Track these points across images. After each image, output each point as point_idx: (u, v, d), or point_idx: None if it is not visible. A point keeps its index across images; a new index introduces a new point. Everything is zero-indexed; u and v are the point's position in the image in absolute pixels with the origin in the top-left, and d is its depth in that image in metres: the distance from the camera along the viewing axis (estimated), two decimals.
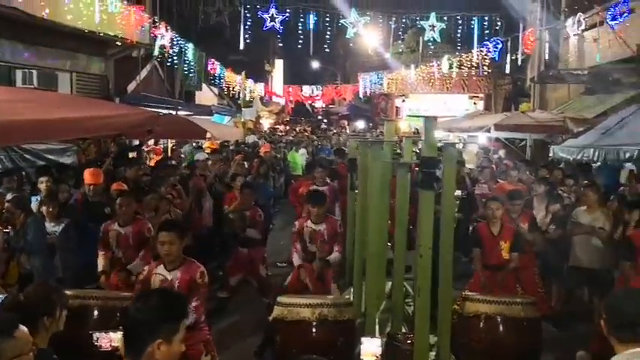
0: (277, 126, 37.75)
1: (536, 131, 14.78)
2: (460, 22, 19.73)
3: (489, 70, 24.36)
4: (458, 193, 10.04)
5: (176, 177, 8.90)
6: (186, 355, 3.61)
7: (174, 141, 15.69)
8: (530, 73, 20.11)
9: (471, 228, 8.66)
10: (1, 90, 8.51)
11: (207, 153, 12.72)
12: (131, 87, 16.78)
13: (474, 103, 28.58)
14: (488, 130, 15.15)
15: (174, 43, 17.82)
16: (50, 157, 9.65)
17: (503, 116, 16.48)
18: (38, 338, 3.17)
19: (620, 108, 14.07)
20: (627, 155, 10.26)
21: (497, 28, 20.05)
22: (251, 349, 6.43)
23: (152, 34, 16.58)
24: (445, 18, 19.76)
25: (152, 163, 11.80)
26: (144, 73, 17.66)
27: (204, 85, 23.41)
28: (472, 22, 19.67)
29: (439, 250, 4.91)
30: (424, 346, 4.81)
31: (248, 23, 18.42)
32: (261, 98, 33.84)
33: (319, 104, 41.45)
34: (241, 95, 27.87)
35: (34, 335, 2.97)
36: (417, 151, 6.44)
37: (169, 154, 14.25)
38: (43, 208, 6.80)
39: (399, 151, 6.41)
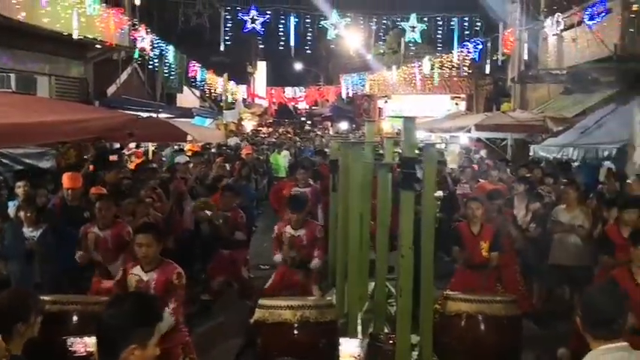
0: (260, 128, 37.69)
1: (516, 131, 14.91)
2: (440, 23, 19.81)
3: (470, 71, 24.51)
4: (439, 193, 10.11)
5: (156, 180, 8.84)
6: (165, 358, 3.59)
7: (155, 144, 15.58)
8: (511, 74, 20.26)
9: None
10: None
11: (188, 156, 12.65)
12: (111, 90, 16.66)
13: (456, 104, 28.77)
14: (469, 131, 15.25)
15: (155, 45, 17.70)
16: (28, 161, 9.52)
17: (484, 116, 16.62)
18: (12, 344, 3.12)
19: (599, 107, 14.25)
20: (606, 154, 10.39)
21: (477, 28, 20.17)
22: (233, 351, 6.40)
23: (132, 37, 16.46)
24: (425, 19, 19.83)
25: (133, 167, 11.70)
26: (124, 76, 17.54)
27: (185, 88, 23.31)
28: (452, 22, 19.76)
29: (420, 250, 4.93)
30: (406, 346, 4.83)
31: (228, 25, 18.33)
32: (244, 100, 33.77)
33: (302, 106, 41.49)
34: (223, 97, 27.78)
35: (7, 341, 2.92)
36: (399, 151, 6.46)
37: (150, 157, 14.15)
38: (21, 213, 6.71)
39: (381, 151, 6.43)
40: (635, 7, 12.08)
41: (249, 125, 35.72)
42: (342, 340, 4.10)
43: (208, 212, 8.04)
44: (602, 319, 2.50)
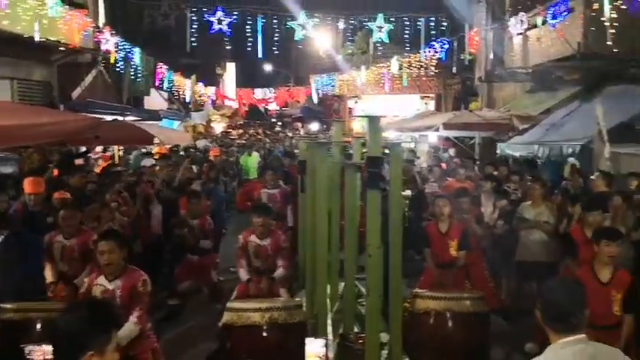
0: (230, 130, 37.46)
1: (483, 129, 15.07)
2: (407, 23, 19.95)
3: (438, 71, 24.70)
4: (407, 192, 10.18)
5: (122, 184, 8.70)
6: None
7: (122, 147, 15.37)
8: (478, 73, 20.50)
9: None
10: None
11: (155, 159, 12.50)
12: (76, 93, 16.37)
13: (425, 103, 28.98)
14: (438, 130, 15.37)
15: (120, 47, 17.46)
16: None
17: (452, 115, 16.76)
18: None
19: (563, 105, 14.52)
20: (570, 150, 10.59)
21: (444, 28, 20.36)
22: (203, 355, 6.33)
23: (96, 39, 16.21)
24: (392, 19, 19.94)
25: (99, 171, 11.52)
26: (89, 78, 17.25)
27: (153, 90, 23.05)
28: (419, 23, 19.91)
29: (389, 249, 4.94)
30: (375, 345, 4.82)
31: (194, 26, 18.18)
32: (213, 102, 33.53)
33: (273, 107, 41.34)
34: (191, 99, 27.53)
35: None
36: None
37: (117, 160, 13.95)
38: None
39: (351, 152, 6.44)
40: (596, 6, 12.31)
41: (218, 127, 35.47)
42: (307, 340, 4.07)
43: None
44: (560, 313, 2.53)
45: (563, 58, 14.09)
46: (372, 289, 4.75)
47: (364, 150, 6.28)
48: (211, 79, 33.83)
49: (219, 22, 17.99)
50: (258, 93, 35.30)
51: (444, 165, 13.22)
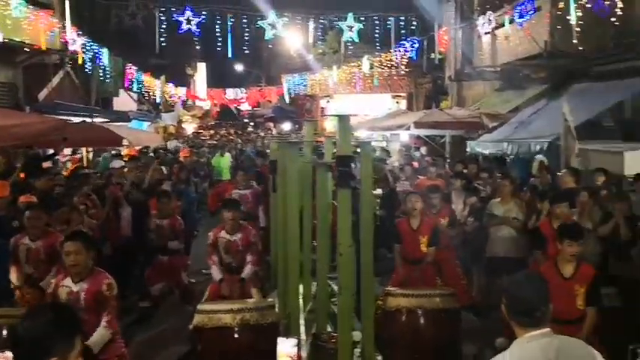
0: (201, 130, 37.19)
1: (453, 128, 15.20)
2: (377, 22, 20.04)
3: (408, 70, 24.84)
4: (378, 191, 10.22)
5: (90, 186, 8.58)
6: None
7: (91, 149, 15.15)
8: (448, 72, 20.68)
9: None
10: None
11: (125, 160, 12.35)
12: (43, 95, 16.06)
13: (397, 102, 29.12)
14: (409, 128, 15.46)
15: (88, 48, 17.19)
16: None
17: (423, 114, 16.87)
18: None
19: (531, 103, 14.73)
20: (538, 147, 10.74)
21: (413, 28, 20.49)
22: (175, 359, 6.27)
23: (63, 40, 15.93)
24: (362, 18, 20.00)
25: (67, 173, 11.33)
26: (56, 80, 16.95)
27: (122, 91, 22.75)
28: (389, 22, 20.01)
29: (360, 248, 4.95)
30: (348, 344, 4.83)
31: (163, 26, 17.99)
32: (184, 102, 33.24)
33: (245, 107, 41.15)
34: (161, 100, 27.25)
35: None
36: None
37: (85, 163, 13.74)
38: None
39: (324, 151, 6.43)
40: (561, 5, 12.51)
41: (189, 128, 35.19)
42: (279, 340, 4.06)
43: None
44: (526, 307, 2.56)
45: (530, 57, 14.30)
46: (344, 287, 4.76)
47: (335, 149, 6.29)
48: (182, 79, 33.56)
49: (188, 21, 17.83)
50: (230, 93, 35.08)
51: (415, 163, 13.32)
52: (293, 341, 3.96)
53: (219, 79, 41.68)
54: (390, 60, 22.31)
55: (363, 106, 28.28)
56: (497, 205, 7.76)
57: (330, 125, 28.37)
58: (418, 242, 6.94)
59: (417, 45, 20.49)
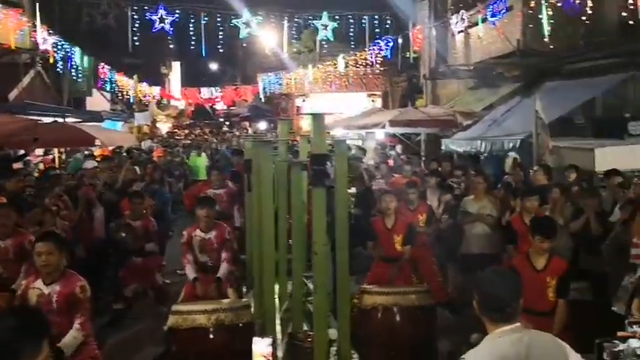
0: (176, 130, 36.89)
1: (428, 126, 15.29)
2: (352, 21, 20.10)
3: (383, 68, 24.93)
4: (352, 190, 10.23)
5: (61, 187, 8.45)
6: None
7: (63, 150, 14.93)
8: (423, 70, 20.81)
9: None
10: None
11: (98, 160, 12.19)
12: (13, 95, 15.79)
13: (373, 101, 29.17)
14: (384, 127, 15.52)
15: (59, 47, 16.92)
16: None
17: (398, 112, 16.95)
18: None
19: (504, 101, 14.88)
20: (511, 145, 10.85)
21: (388, 26, 20.60)
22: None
23: (33, 39, 15.67)
24: (337, 17, 20.05)
25: (39, 174, 11.15)
26: (27, 79, 16.68)
27: (95, 91, 22.46)
28: (363, 21, 20.09)
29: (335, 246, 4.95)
30: (324, 342, 4.82)
31: (136, 25, 17.79)
32: (159, 102, 32.93)
33: (220, 106, 40.92)
34: (134, 99, 26.96)
35: None
36: None
37: (58, 164, 13.53)
38: None
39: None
40: (533, 4, 12.66)
41: (164, 127, 34.87)
42: (254, 339, 4.04)
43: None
44: (497, 303, 2.59)
45: (503, 55, 14.45)
46: (320, 286, 4.75)
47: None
48: (156, 78, 33.26)
49: (162, 20, 17.66)
50: (205, 92, 34.87)
51: (390, 162, 13.37)
52: (268, 341, 3.95)
53: (193, 78, 41.43)
54: (365, 59, 22.39)
55: (339, 105, 28.29)
56: (471, 203, 7.82)
57: (306, 124, 28.34)
58: (393, 241, 6.97)
59: (391, 44, 20.58)
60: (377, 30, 20.60)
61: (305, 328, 5.60)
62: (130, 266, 7.64)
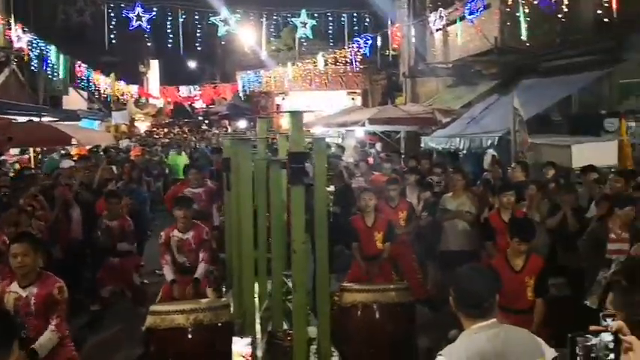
0: (155, 129, 36.59)
1: (407, 124, 15.36)
2: (331, 18, 20.10)
3: (363, 67, 24.97)
4: (331, 188, 10.21)
5: (37, 187, 8.32)
6: None
7: (39, 149, 14.71)
8: (402, 68, 20.87)
9: None
10: None
11: (74, 160, 12.02)
12: None
13: (352, 99, 29.23)
14: (364, 125, 15.54)
15: (34, 45, 16.66)
16: None
17: (377, 110, 16.99)
18: None
19: (483, 98, 14.99)
20: (489, 142, 10.93)
21: (367, 24, 20.62)
22: None
23: (7, 37, 15.41)
24: (316, 15, 20.02)
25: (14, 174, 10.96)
26: (1, 78, 16.40)
27: (72, 89, 22.18)
28: (342, 18, 20.10)
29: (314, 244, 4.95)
30: (303, 341, 4.81)
31: (113, 23, 17.59)
32: (137, 100, 32.60)
33: (199, 105, 40.63)
34: (112, 98, 26.65)
35: None
36: None
37: (34, 164, 13.33)
38: None
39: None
40: (510, 2, 12.75)
41: (143, 126, 34.56)
42: (234, 339, 4.02)
43: None
44: (474, 299, 2.60)
45: (481, 53, 14.54)
46: (298, 285, 4.73)
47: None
48: (134, 77, 32.93)
49: (139, 18, 17.47)
50: (184, 90, 34.56)
51: (370, 160, 13.38)
52: (246, 340, 3.92)
53: (172, 76, 41.11)
54: (345, 57, 22.40)
55: (319, 103, 28.28)
56: (449, 200, 7.85)
57: (285, 122, 28.26)
58: (373, 239, 6.97)
59: (370, 42, 20.60)
60: (356, 28, 20.62)
61: (285, 326, 5.58)
62: (106, 267, 7.56)
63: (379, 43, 20.50)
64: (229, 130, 33.61)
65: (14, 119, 10.55)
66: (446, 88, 18.45)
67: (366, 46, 20.76)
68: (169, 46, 19.01)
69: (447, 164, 10.36)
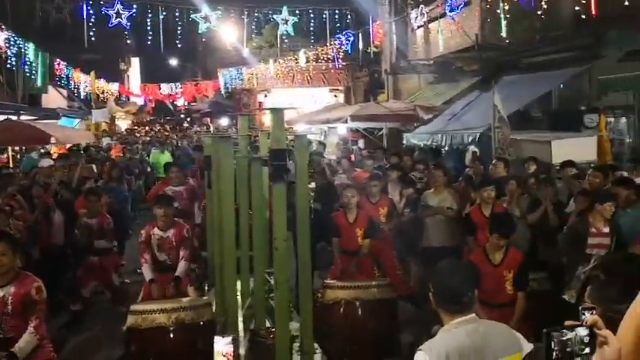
0: (136, 127, 36.29)
1: (390, 120, 15.39)
2: (312, 15, 20.07)
3: (345, 64, 24.98)
4: (312, 185, 10.20)
5: (15, 187, 8.20)
6: None
7: (18, 149, 14.52)
8: (384, 65, 20.90)
9: None
10: None
11: (53, 159, 11.87)
12: None
13: (335, 96, 29.21)
14: (346, 121, 15.55)
15: (12, 43, 16.42)
16: None
17: (359, 107, 17.00)
18: None
19: (464, 95, 15.08)
20: (470, 138, 11.00)
21: (348, 21, 20.64)
22: None
23: None
24: (297, 12, 19.99)
25: None
26: None
27: (51, 88, 21.91)
28: (324, 15, 20.08)
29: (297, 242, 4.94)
30: (286, 338, 4.80)
31: (92, 20, 17.38)
32: (117, 98, 32.31)
33: (181, 102, 40.41)
34: (92, 96, 26.37)
35: None
36: None
37: (12, 163, 13.14)
38: None
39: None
40: None
41: (123, 124, 34.26)
42: (216, 338, 4.00)
43: None
44: (453, 294, 2.61)
45: (462, 50, 14.62)
46: (281, 282, 4.72)
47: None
48: (114, 75, 32.66)
49: (118, 15, 17.29)
50: (165, 88, 34.30)
51: (353, 157, 13.39)
52: (228, 339, 3.90)
53: (153, 74, 40.85)
54: (327, 54, 22.39)
55: (301, 100, 28.24)
56: (431, 196, 7.88)
57: (268, 119, 28.12)
58: (355, 235, 6.98)
59: (352, 39, 20.62)
60: (337, 25, 20.62)
61: (267, 324, 5.57)
62: (86, 265, 7.49)
63: (361, 40, 20.51)
64: (211, 128, 33.49)
65: None
66: (427, 85, 18.53)
67: (347, 43, 20.78)
68: (150, 43, 18.85)
69: (428, 161, 10.39)
